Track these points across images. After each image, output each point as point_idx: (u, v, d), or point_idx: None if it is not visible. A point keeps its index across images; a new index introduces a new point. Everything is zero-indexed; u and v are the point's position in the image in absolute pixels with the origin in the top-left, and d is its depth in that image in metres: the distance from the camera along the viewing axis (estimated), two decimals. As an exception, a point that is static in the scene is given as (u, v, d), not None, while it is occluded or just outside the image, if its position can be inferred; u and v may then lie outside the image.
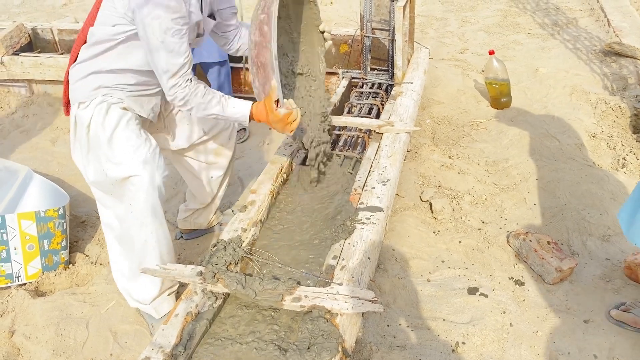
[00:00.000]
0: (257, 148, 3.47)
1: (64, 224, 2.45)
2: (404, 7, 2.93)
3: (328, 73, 3.46)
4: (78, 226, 2.82)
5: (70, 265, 2.51)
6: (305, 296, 1.65)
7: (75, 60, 1.98)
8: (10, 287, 2.34)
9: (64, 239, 2.45)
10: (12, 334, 2.15)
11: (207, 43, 3.15)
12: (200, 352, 1.57)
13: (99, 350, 2.05)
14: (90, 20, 1.92)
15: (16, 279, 2.32)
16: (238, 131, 3.51)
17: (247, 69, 3.54)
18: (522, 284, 2.26)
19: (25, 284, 2.38)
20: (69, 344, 2.09)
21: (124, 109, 1.97)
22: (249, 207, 2.15)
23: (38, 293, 2.40)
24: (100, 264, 2.54)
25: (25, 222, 2.29)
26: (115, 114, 1.93)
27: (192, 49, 3.07)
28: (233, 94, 3.54)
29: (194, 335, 1.58)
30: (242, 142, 3.51)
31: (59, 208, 2.41)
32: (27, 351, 2.08)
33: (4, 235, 2.25)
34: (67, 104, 2.04)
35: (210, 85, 3.45)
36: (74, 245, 2.68)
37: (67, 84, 2.00)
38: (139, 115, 2.03)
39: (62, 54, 4.08)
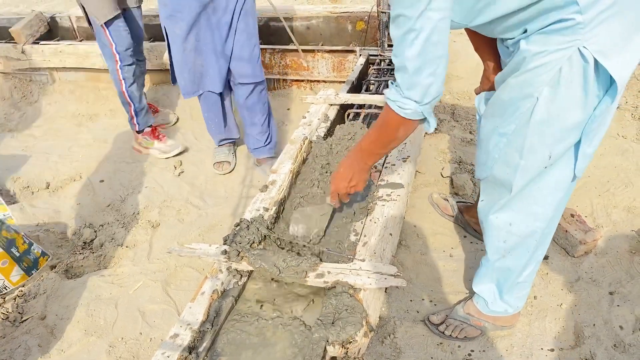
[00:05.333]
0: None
1: (12, 226, 2.37)
2: (421, -20, 2.88)
3: (345, 51, 3.44)
4: (104, 210, 2.87)
5: (100, 247, 2.57)
6: (329, 272, 1.66)
7: None
8: (3, 297, 2.33)
9: (24, 237, 2.40)
10: (45, 316, 2.22)
11: None
12: (227, 329, 1.60)
13: (129, 330, 2.11)
14: None
15: (3, 289, 2.32)
16: None
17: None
18: (545, 257, 2.25)
19: (51, 268, 2.44)
20: (99, 323, 2.15)
21: None
22: (270, 186, 2.16)
23: (68, 275, 2.46)
24: (127, 247, 2.59)
25: None
26: None
27: None
28: None
29: (220, 312, 1.61)
30: None
31: None
32: (60, 331, 2.14)
33: None
34: None
35: None
36: (100, 229, 2.73)
37: None
38: None
39: (81, 40, 4.11)
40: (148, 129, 3.30)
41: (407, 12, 1.25)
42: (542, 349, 1.89)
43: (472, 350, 1.88)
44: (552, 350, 1.88)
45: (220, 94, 2.90)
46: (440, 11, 1.25)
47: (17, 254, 2.34)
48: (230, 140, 3.20)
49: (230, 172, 3.11)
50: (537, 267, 1.78)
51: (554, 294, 2.09)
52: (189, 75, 2.76)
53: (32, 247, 2.42)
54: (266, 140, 3.03)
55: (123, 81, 3.07)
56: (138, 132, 3.29)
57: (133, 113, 3.20)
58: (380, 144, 1.65)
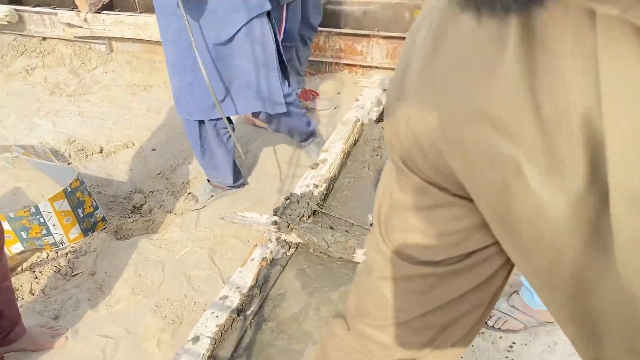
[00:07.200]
0: (325, 113, 3.48)
1: (87, 188, 2.51)
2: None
3: (401, 38, 3.42)
4: (154, 178, 2.95)
5: (149, 213, 2.65)
6: (377, 251, 1.67)
7: None
8: (57, 251, 2.43)
9: (93, 200, 2.51)
10: (94, 272, 2.30)
11: None
12: (273, 296, 1.63)
13: (174, 292, 2.16)
14: None
15: (60, 244, 2.42)
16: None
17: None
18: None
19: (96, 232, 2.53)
20: (146, 284, 2.21)
21: None
22: (321, 164, 2.18)
23: (117, 237, 2.54)
24: (175, 214, 2.65)
25: (58, 202, 2.34)
26: None
27: None
28: None
29: (268, 280, 1.65)
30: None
31: (78, 176, 2.45)
32: (108, 288, 2.22)
33: (41, 219, 2.32)
34: None
35: None
36: (150, 195, 2.81)
37: None
38: None
39: (140, 12, 4.20)
40: None
41: None
42: (585, 348, 1.85)
43: (514, 343, 1.86)
44: (596, 351, 1.84)
45: (201, 123, 2.42)
46: None
47: (81, 215, 2.45)
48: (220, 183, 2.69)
49: (192, 210, 2.65)
50: None
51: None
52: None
53: (96, 212, 2.52)
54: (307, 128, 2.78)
55: None
56: None
57: None
58: None
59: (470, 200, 0.46)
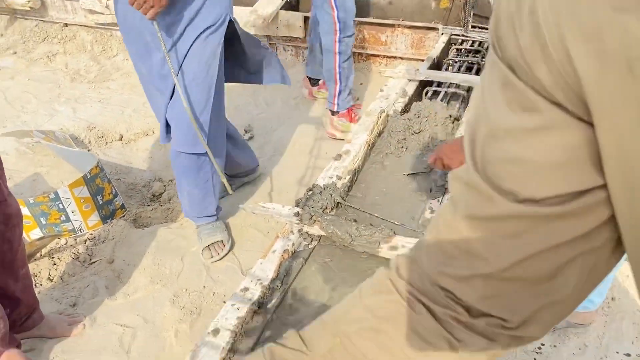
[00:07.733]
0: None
1: (107, 175, 2.48)
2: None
3: (426, 28, 3.34)
4: (173, 166, 2.92)
5: (169, 201, 2.62)
6: (403, 246, 1.62)
7: None
8: (76, 238, 2.40)
9: (112, 187, 2.48)
10: (112, 260, 2.28)
11: None
12: (295, 289, 1.58)
13: (193, 282, 2.13)
14: None
15: (79, 231, 2.40)
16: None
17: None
18: (627, 258, 2.12)
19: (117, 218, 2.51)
20: (164, 273, 2.19)
21: None
22: (344, 156, 2.13)
23: (136, 225, 2.52)
24: (194, 203, 2.62)
25: (77, 189, 2.32)
26: None
27: None
28: None
29: (290, 272, 1.60)
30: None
31: (98, 163, 2.42)
32: (126, 276, 2.19)
33: (60, 205, 2.29)
34: None
35: None
36: (170, 184, 2.78)
37: None
38: None
39: (162, 0, 4.17)
40: (344, 111, 2.95)
41: None
42: (617, 352, 1.78)
43: (543, 344, 1.79)
44: (629, 355, 1.77)
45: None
46: None
47: (100, 202, 2.42)
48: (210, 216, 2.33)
49: (223, 256, 2.24)
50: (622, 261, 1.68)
51: (636, 296, 1.97)
52: None
53: (115, 199, 2.50)
54: None
55: (338, 55, 2.79)
56: (333, 113, 2.96)
57: (336, 92, 2.87)
58: None
59: (589, 124, 0.39)
